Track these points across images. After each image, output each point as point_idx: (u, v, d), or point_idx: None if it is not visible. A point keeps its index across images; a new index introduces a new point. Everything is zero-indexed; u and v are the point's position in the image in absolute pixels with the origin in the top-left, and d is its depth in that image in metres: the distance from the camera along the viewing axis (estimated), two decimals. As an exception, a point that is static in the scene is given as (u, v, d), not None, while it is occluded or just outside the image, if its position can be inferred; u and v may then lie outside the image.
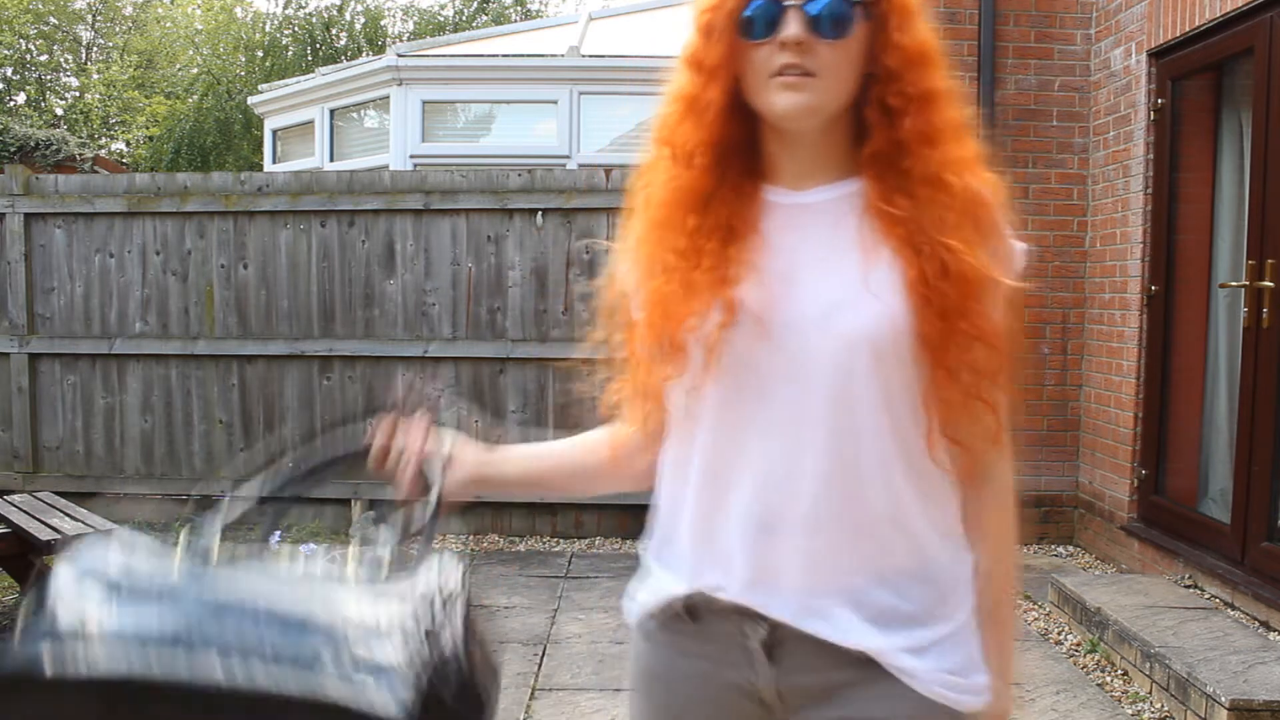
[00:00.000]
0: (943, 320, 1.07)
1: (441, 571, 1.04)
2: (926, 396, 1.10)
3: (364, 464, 1.23)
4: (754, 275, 1.10)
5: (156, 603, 0.95)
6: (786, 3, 1.06)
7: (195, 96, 16.80)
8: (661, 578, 1.20)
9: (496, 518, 5.72)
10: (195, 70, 18.55)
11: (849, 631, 1.10)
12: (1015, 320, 1.16)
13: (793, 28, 1.05)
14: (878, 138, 1.10)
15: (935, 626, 1.13)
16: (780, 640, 1.13)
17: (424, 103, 7.90)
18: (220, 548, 1.05)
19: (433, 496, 1.18)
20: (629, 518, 5.48)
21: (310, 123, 8.80)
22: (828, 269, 1.11)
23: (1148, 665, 3.48)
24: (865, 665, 1.11)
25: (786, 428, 1.10)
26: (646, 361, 1.14)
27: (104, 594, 0.95)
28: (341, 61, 14.54)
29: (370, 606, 0.96)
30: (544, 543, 5.61)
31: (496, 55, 8.17)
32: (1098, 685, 3.60)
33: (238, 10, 19.23)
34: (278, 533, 4.47)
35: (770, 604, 1.12)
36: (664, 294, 1.12)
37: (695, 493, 1.15)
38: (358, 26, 17.24)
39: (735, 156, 1.13)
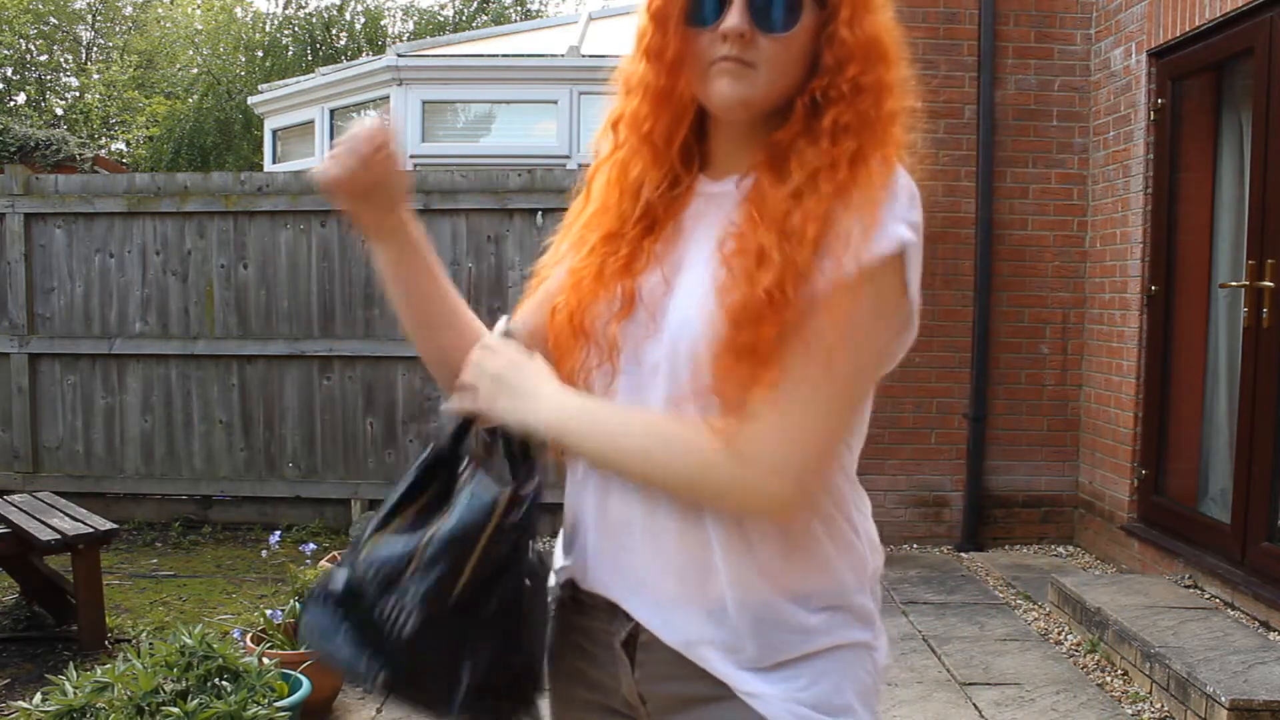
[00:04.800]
0: (742, 310, 0.99)
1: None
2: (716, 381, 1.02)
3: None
4: (656, 266, 1.09)
5: None
6: None
7: (195, 96, 16.80)
8: (560, 557, 1.21)
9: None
10: (195, 70, 18.56)
11: (695, 645, 1.08)
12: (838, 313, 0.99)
13: (734, 18, 1.01)
14: (788, 129, 1.04)
15: (792, 649, 1.09)
16: (642, 643, 1.12)
17: (424, 103, 7.90)
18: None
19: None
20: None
21: (310, 123, 8.81)
22: (701, 263, 1.08)
23: (1148, 665, 3.48)
24: (719, 682, 1.08)
25: None
26: (557, 343, 1.14)
27: None
28: (341, 61, 14.54)
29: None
30: (543, 544, 5.60)
31: (496, 55, 8.17)
32: (1098, 685, 3.60)
33: (238, 10, 19.23)
34: (277, 533, 4.45)
35: (629, 601, 1.11)
36: (579, 278, 1.12)
37: (579, 478, 1.15)
38: (358, 26, 17.25)
39: (686, 144, 1.11)
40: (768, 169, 1.05)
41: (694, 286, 1.06)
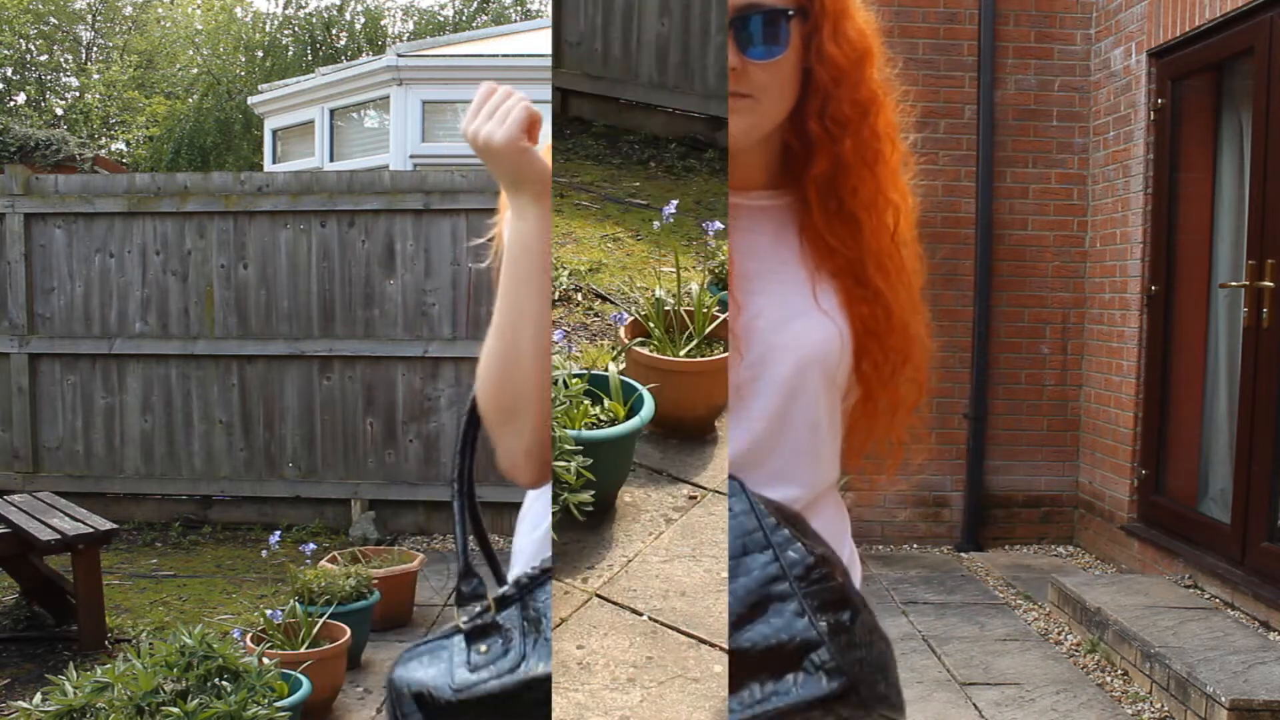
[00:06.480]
0: (881, 357, 1.11)
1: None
2: (853, 423, 1.15)
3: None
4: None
5: None
6: None
7: (195, 96, 16.80)
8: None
9: (497, 517, 5.71)
10: (195, 70, 18.55)
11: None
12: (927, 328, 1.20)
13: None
14: (821, 158, 1.08)
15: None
16: None
17: (424, 103, 7.90)
18: None
19: None
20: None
21: (310, 123, 8.81)
22: (780, 278, 1.09)
23: (1148, 665, 3.48)
24: None
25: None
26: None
27: None
28: (341, 61, 14.55)
29: None
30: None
31: (496, 55, 8.17)
32: (1098, 685, 3.60)
33: (238, 10, 19.21)
34: (277, 533, 4.45)
35: None
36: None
37: None
38: (358, 26, 17.23)
39: None
40: (821, 207, 1.10)
41: (791, 308, 1.07)
